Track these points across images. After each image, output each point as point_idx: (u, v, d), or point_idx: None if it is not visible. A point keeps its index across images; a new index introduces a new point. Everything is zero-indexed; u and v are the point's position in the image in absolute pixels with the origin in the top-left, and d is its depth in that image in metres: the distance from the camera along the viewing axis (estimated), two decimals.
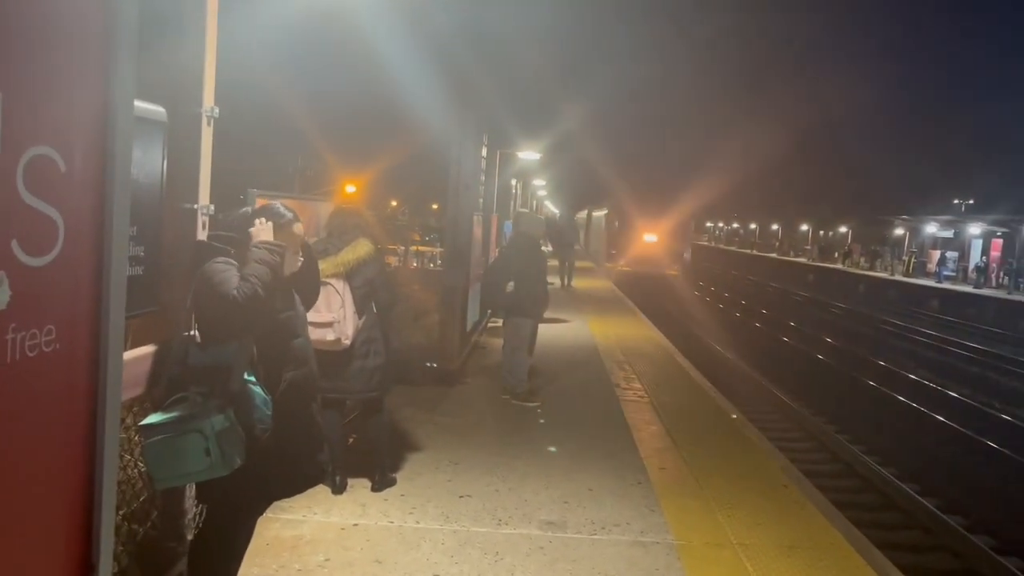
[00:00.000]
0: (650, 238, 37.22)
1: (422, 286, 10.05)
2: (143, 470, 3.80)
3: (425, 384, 8.68)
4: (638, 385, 9.58)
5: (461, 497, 5.55)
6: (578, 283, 22.42)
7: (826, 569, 4.72)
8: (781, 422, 12.66)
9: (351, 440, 6.06)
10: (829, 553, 4.95)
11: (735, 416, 8.41)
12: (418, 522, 5.08)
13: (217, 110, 3.82)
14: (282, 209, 3.46)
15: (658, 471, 6.33)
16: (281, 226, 3.36)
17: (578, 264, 24.85)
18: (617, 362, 11.08)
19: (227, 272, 3.11)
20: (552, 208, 50.30)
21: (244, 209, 3.48)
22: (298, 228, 3.48)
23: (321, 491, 5.45)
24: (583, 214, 50.70)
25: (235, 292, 3.02)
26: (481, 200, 11.26)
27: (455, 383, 8.93)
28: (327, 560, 4.48)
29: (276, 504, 5.13)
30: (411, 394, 8.20)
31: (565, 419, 7.78)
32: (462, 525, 5.07)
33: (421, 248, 18.05)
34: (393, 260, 15.39)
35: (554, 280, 21.59)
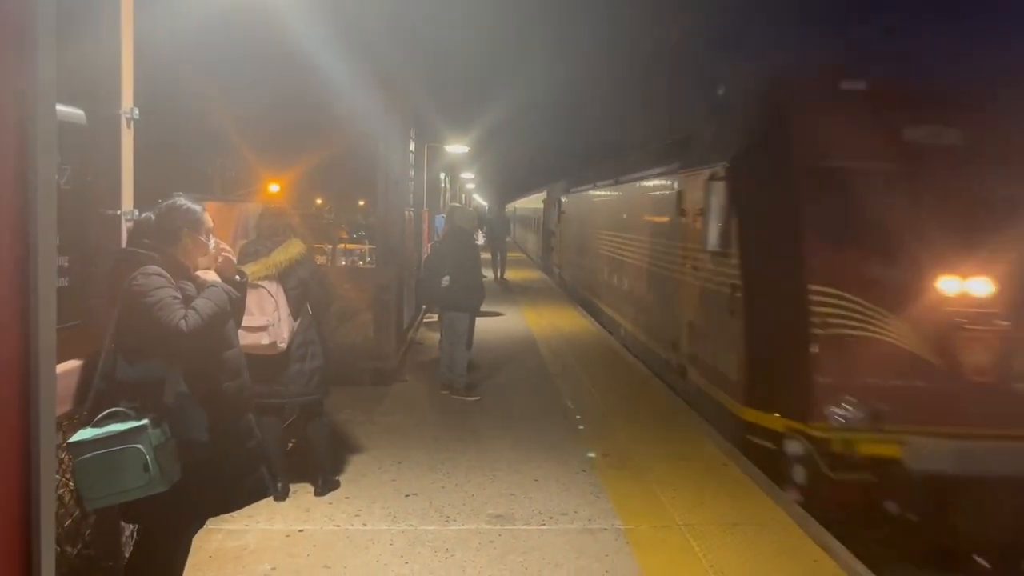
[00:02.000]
0: None
1: (353, 285, 9.88)
2: (72, 488, 3.66)
3: (364, 384, 8.57)
4: (576, 374, 9.65)
5: (407, 496, 5.49)
6: (511, 275, 22.46)
7: (770, 543, 4.84)
8: None
9: (291, 445, 5.93)
10: (771, 528, 5.08)
11: (675, 402, 8.55)
12: (365, 524, 5.01)
13: (137, 111, 3.68)
14: (193, 207, 3.35)
15: (601, 457, 6.39)
16: (198, 223, 3.28)
17: (510, 255, 24.88)
18: (554, 352, 11.13)
19: (166, 296, 2.99)
20: (482, 201, 50.25)
21: (147, 214, 3.35)
22: (207, 218, 3.39)
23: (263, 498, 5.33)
24: (514, 205, 49.39)
25: (181, 324, 2.95)
26: (411, 195, 11.16)
27: (394, 381, 8.84)
28: (273, 569, 4.39)
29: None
30: (349, 395, 8.08)
31: (506, 411, 7.78)
32: (410, 524, 5.02)
33: (349, 246, 17.79)
34: (321, 259, 15.12)
35: (487, 273, 21.62)
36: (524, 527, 5.02)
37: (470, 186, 37.25)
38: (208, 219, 3.37)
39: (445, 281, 8.20)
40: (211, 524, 4.87)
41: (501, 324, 13.67)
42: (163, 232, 3.21)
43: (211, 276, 3.31)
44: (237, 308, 3.43)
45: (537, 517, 5.18)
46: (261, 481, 3.47)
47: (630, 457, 6.42)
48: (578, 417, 7.61)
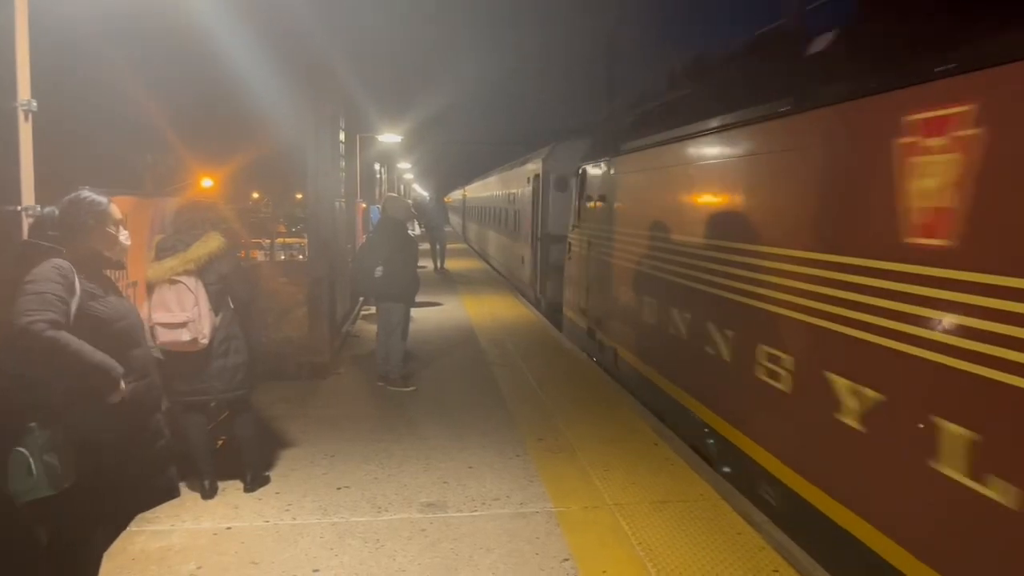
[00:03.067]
0: None
1: (290, 279, 9.74)
2: None
3: (298, 378, 8.47)
4: (514, 362, 9.68)
5: (339, 489, 5.45)
6: (452, 265, 22.39)
7: (696, 519, 4.94)
8: None
9: (221, 443, 5.82)
10: (698, 504, 5.18)
11: (609, 384, 8.64)
12: (295, 518, 4.96)
13: (35, 103, 3.55)
14: (98, 200, 3.26)
15: (536, 442, 6.43)
16: (104, 215, 3.20)
17: (452, 245, 24.81)
18: (493, 340, 11.15)
19: (45, 291, 2.90)
20: (421, 191, 49.90)
21: (50, 208, 3.25)
22: (114, 210, 3.31)
23: (190, 497, 5.23)
24: (458, 193, 48.07)
25: (32, 324, 2.83)
26: (343, 186, 11.03)
27: (328, 375, 8.75)
28: (199, 568, 4.31)
29: (140, 516, 4.93)
30: (283, 389, 7.99)
31: (442, 401, 7.77)
32: (341, 517, 4.98)
33: (288, 240, 17.52)
34: (258, 254, 14.86)
35: (426, 263, 21.51)
36: (456, 514, 5.03)
37: (408, 176, 36.96)
38: (115, 211, 3.29)
39: (378, 272, 8.13)
40: (134, 525, 4.78)
41: (440, 314, 13.64)
42: (68, 226, 3.12)
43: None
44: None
45: (469, 504, 5.19)
46: (171, 481, 3.41)
47: (565, 440, 6.48)
48: (514, 404, 7.64)
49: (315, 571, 4.29)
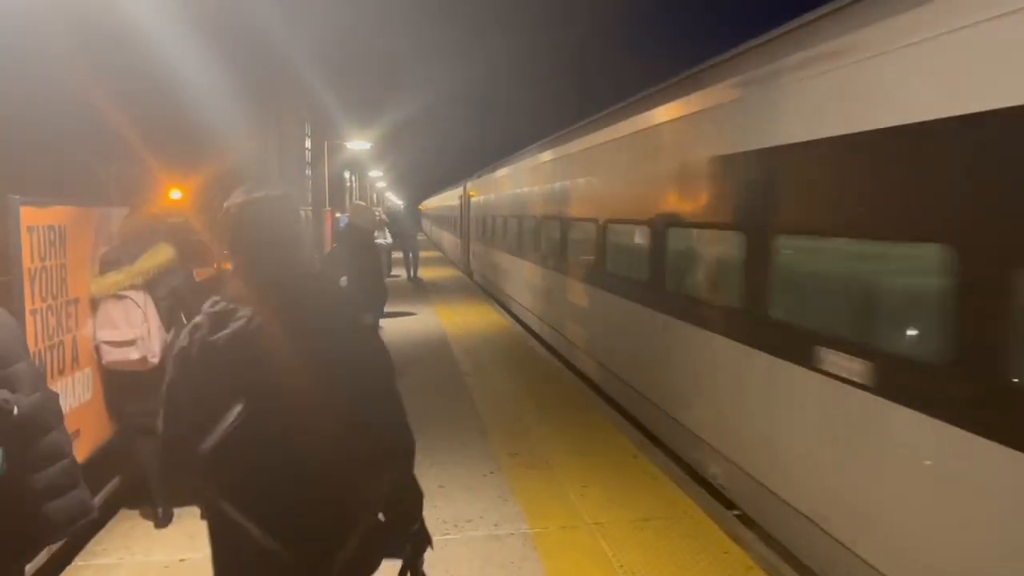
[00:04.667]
0: None
1: None
2: None
3: None
4: (488, 372, 9.41)
5: None
6: (426, 273, 22.06)
7: (680, 537, 4.69)
8: None
9: None
10: (682, 522, 4.94)
11: (585, 395, 8.40)
12: None
13: None
14: None
15: (509, 457, 6.17)
16: None
17: (426, 254, 24.51)
18: (467, 350, 10.87)
19: None
20: (395, 199, 49.46)
21: None
22: None
23: (142, 525, 4.91)
24: (431, 201, 48.02)
25: None
26: (310, 194, 10.73)
27: None
28: None
29: (87, 549, 4.60)
30: None
31: (414, 415, 7.44)
32: None
33: None
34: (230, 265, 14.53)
35: (400, 272, 21.16)
36: None
37: (381, 184, 36.53)
38: None
39: (342, 282, 7.83)
40: (79, 560, 4.49)
41: (412, 324, 13.33)
42: None
43: None
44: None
45: (440, 526, 4.91)
46: (80, 502, 3.09)
47: (540, 455, 6.22)
48: (487, 417, 7.37)
49: None
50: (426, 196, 49.74)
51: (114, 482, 5.13)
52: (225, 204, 2.32)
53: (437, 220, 39.41)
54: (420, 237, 28.99)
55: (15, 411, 2.83)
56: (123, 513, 5.10)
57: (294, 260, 2.36)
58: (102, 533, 4.82)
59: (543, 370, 9.62)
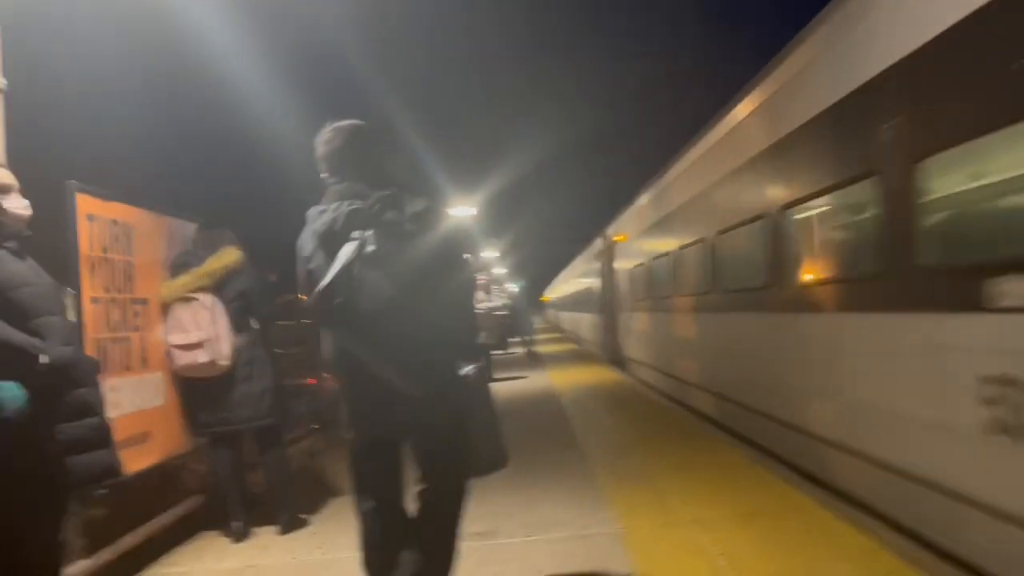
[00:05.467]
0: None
1: None
2: None
3: None
4: (592, 412, 8.94)
5: None
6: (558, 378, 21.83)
7: (793, 531, 4.09)
8: None
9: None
10: (795, 516, 4.32)
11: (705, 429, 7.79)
12: (324, 554, 4.40)
13: (4, 82, 3.34)
14: None
15: (608, 475, 5.69)
16: None
17: (556, 348, 24.18)
18: (573, 400, 10.42)
19: None
20: (512, 287, 49.57)
21: None
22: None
23: (218, 542, 4.76)
24: (558, 281, 40.87)
25: None
26: None
27: None
28: None
29: (160, 559, 4.47)
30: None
31: (512, 443, 7.10)
32: None
33: None
34: None
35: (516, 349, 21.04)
36: (507, 540, 4.36)
37: (499, 270, 36.88)
38: (3, 176, 2.97)
39: None
40: (151, 568, 4.35)
41: (523, 384, 13.02)
42: None
43: None
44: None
45: (524, 530, 4.52)
46: (106, 462, 2.96)
47: (640, 471, 5.71)
48: (589, 446, 6.91)
49: None
50: (547, 281, 49.12)
51: (195, 499, 5.04)
52: None
53: (570, 303, 30.94)
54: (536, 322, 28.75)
55: (42, 359, 2.76)
56: (202, 534, 4.96)
57: None
58: (178, 548, 4.69)
59: (650, 408, 9.06)
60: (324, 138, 3.13)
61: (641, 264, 12.63)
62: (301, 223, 3.08)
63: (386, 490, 3.14)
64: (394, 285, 2.80)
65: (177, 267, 4.67)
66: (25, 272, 2.91)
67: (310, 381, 9.69)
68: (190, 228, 5.03)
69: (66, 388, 2.89)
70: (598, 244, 17.82)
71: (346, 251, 2.81)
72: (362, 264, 2.80)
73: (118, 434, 3.88)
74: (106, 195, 4.09)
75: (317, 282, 2.80)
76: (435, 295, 2.86)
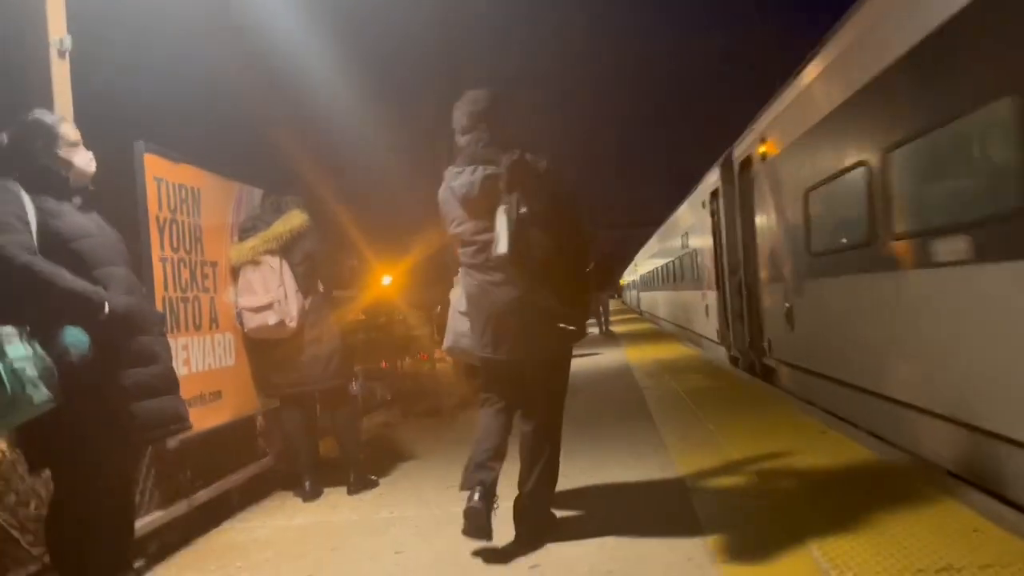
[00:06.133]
0: None
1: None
2: None
3: (442, 414, 8.07)
4: (667, 384, 8.78)
5: (450, 487, 4.84)
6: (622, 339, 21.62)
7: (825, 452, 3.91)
8: None
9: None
10: (828, 451, 4.14)
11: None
12: (391, 512, 4.43)
13: (69, 40, 3.43)
14: (44, 120, 3.04)
15: (678, 441, 5.57)
16: (52, 136, 2.98)
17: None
18: (648, 373, 10.25)
19: (5, 214, 2.73)
20: None
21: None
22: (66, 130, 3.05)
23: (291, 501, 4.85)
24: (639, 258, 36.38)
25: (9, 250, 2.68)
26: None
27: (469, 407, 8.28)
28: (275, 554, 3.85)
29: (233, 516, 4.59)
30: (426, 423, 7.62)
31: (585, 415, 7.03)
32: (443, 509, 4.38)
33: None
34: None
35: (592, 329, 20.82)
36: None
37: None
38: (69, 131, 3.05)
39: None
40: (225, 523, 4.46)
41: (597, 360, 12.89)
42: (15, 149, 2.94)
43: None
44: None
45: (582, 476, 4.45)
46: (173, 409, 3.04)
47: (711, 437, 5.56)
48: (660, 416, 6.78)
49: (397, 552, 3.73)
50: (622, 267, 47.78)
51: (268, 459, 5.15)
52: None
53: (652, 279, 25.65)
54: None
55: (106, 308, 2.84)
56: (275, 494, 5.07)
57: None
58: (251, 506, 4.80)
59: (727, 379, 8.84)
60: (468, 99, 3.62)
61: (837, 180, 6.14)
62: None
63: (511, 396, 3.69)
64: (548, 235, 3.37)
65: (245, 231, 4.76)
66: (88, 225, 2.99)
67: (383, 365, 9.88)
68: (256, 194, 5.12)
69: (130, 336, 2.97)
70: (710, 181, 11.45)
71: (503, 217, 3.33)
72: (520, 224, 3.30)
73: (189, 391, 4.01)
74: (175, 157, 4.18)
75: (466, 240, 3.56)
76: (568, 244, 3.48)
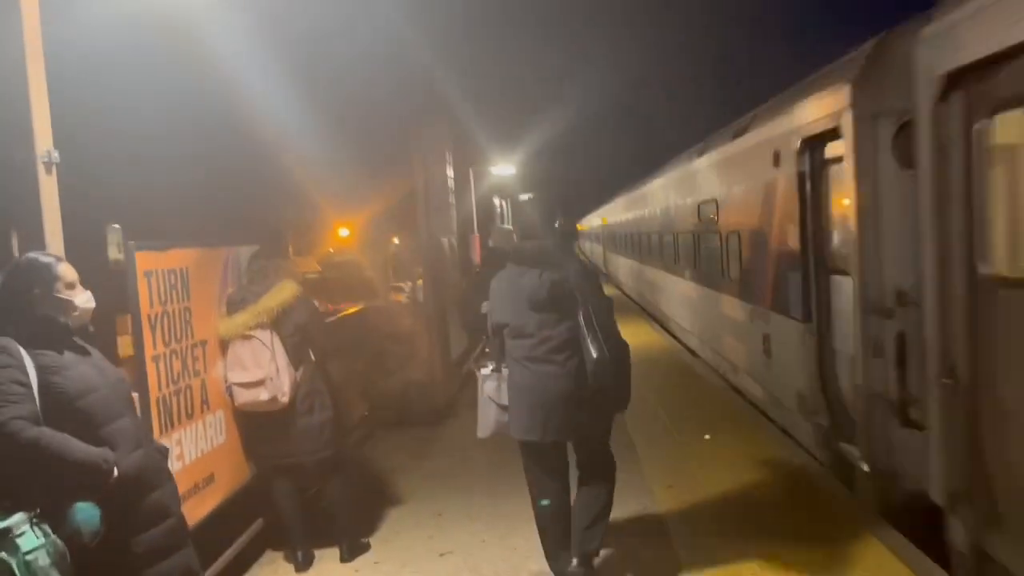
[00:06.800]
0: None
1: (415, 320, 9.49)
2: None
3: (417, 424, 8.04)
4: (645, 396, 8.86)
5: (442, 555, 4.87)
6: None
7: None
8: None
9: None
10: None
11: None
12: None
13: (57, 154, 3.22)
14: (41, 261, 2.88)
15: (665, 489, 5.64)
16: (49, 279, 2.86)
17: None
18: None
19: (4, 380, 2.58)
20: None
21: None
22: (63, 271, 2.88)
23: (283, 568, 4.82)
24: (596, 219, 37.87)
25: (11, 423, 2.54)
26: (454, 222, 10.66)
27: (446, 419, 8.27)
28: None
29: None
30: (398, 438, 7.59)
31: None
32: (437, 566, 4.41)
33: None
34: (402, 297, 14.78)
35: None
36: None
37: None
38: (66, 272, 2.88)
39: (484, 307, 7.59)
40: None
41: None
42: (12, 297, 2.76)
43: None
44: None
45: None
46: (184, 565, 2.95)
47: (695, 484, 5.64)
48: (644, 447, 6.84)
49: None
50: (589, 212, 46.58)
51: (258, 524, 5.08)
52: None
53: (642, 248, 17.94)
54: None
55: (115, 472, 2.72)
56: (268, 555, 5.03)
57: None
58: (246, 575, 4.76)
59: (700, 388, 8.95)
60: (530, 204, 4.36)
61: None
62: None
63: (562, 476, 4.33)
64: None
65: (234, 304, 4.59)
66: (91, 376, 2.85)
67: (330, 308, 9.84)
68: (243, 253, 4.94)
69: (140, 496, 2.86)
70: (816, 116, 5.73)
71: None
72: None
73: (183, 485, 3.91)
74: (162, 245, 3.98)
75: (524, 333, 4.11)
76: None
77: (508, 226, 17.55)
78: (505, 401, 4.21)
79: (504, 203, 17.70)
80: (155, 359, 3.85)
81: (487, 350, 5.21)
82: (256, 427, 4.68)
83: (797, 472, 5.83)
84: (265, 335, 4.52)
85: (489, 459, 6.80)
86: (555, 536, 4.21)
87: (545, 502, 4.23)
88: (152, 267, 3.87)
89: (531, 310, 4.07)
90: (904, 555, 4.33)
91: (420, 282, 11.08)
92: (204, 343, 4.37)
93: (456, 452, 7.10)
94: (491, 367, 4.37)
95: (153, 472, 2.94)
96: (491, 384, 4.35)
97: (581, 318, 3.94)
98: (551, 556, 4.24)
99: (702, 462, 6.22)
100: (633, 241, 20.38)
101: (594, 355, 3.86)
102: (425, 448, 7.29)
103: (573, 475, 4.29)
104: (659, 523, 5.08)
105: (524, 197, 4.49)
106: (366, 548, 5.02)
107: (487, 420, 4.38)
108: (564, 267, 4.06)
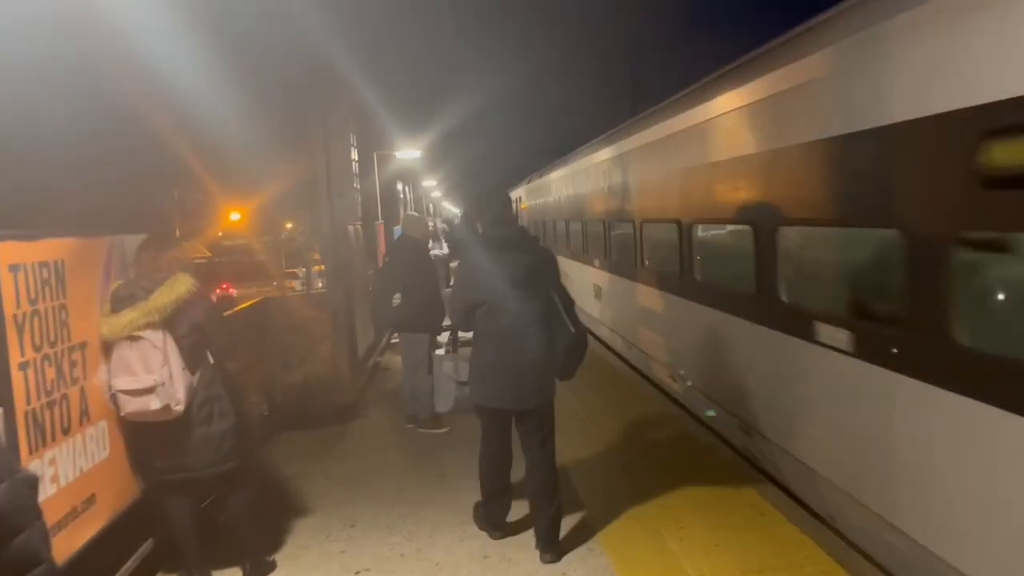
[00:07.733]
0: None
1: (317, 311, 8.93)
2: None
3: (322, 424, 7.53)
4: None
5: (357, 574, 4.46)
6: None
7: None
8: None
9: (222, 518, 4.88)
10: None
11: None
12: None
13: None
14: None
15: (593, 498, 5.40)
16: None
17: None
18: None
19: None
20: (451, 208, 48.83)
21: None
22: None
23: None
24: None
25: None
26: (359, 208, 10.14)
27: (353, 418, 7.80)
28: None
29: None
30: (302, 440, 7.08)
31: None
32: None
33: (322, 267, 16.61)
34: (295, 284, 14.09)
35: None
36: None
37: (436, 194, 35.89)
38: None
39: (396, 299, 7.17)
40: None
41: None
42: None
43: None
44: None
45: None
46: None
47: (632, 494, 5.43)
48: (565, 447, 6.59)
49: None
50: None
51: (147, 545, 4.54)
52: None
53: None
54: None
55: None
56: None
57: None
58: None
59: (622, 385, 8.81)
60: (504, 194, 4.77)
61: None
62: None
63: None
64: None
65: (120, 300, 4.01)
66: None
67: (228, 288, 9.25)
68: (129, 242, 4.36)
69: (6, 538, 2.35)
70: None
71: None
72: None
73: (59, 510, 3.40)
74: (34, 234, 3.41)
75: (501, 308, 4.44)
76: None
77: (416, 212, 17.00)
78: (463, 378, 5.06)
79: (408, 188, 17.16)
80: (23, 367, 3.28)
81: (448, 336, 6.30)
82: (146, 439, 4.13)
83: None
84: (156, 336, 3.97)
85: (402, 462, 6.42)
86: (494, 485, 4.71)
87: (496, 457, 4.70)
88: (20, 260, 3.30)
89: (512, 287, 4.42)
90: None
91: (317, 269, 10.50)
92: (84, 345, 3.80)
93: (366, 454, 6.67)
94: (446, 349, 5.62)
95: (21, 510, 2.42)
96: (448, 364, 5.76)
97: (557, 297, 4.46)
98: (489, 497, 4.74)
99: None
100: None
101: (571, 330, 4.40)
102: (331, 450, 6.82)
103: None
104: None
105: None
106: (272, 568, 4.56)
107: (447, 396, 5.85)
108: (537, 252, 4.57)
